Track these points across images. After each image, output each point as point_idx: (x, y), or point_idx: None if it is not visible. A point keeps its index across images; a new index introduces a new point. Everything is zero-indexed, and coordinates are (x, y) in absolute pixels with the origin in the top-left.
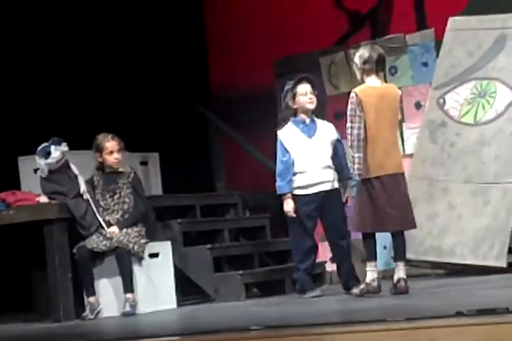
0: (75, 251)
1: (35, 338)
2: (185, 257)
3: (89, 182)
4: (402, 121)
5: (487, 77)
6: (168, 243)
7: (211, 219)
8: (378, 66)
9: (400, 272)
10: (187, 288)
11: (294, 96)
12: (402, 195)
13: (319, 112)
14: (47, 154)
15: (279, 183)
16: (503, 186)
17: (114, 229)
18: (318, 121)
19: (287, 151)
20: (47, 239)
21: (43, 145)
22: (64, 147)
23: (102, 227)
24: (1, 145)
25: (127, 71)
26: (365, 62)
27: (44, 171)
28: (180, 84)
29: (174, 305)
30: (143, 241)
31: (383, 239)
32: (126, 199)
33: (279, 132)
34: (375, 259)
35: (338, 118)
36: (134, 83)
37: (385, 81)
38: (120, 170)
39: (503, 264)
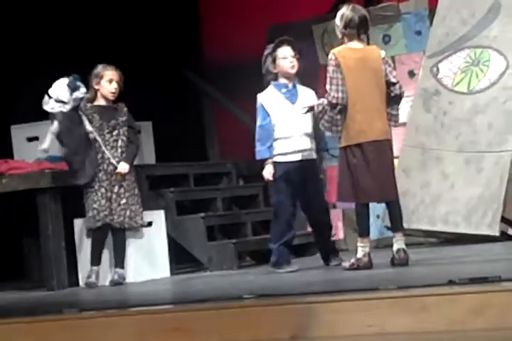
0: (89, 230)
1: (29, 307)
2: (178, 226)
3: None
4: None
5: (481, 45)
6: (162, 212)
7: (204, 187)
8: (360, 29)
9: (399, 242)
10: (180, 257)
11: (274, 60)
12: (385, 164)
13: (312, 80)
14: (70, 88)
15: (258, 148)
16: (496, 154)
17: (124, 165)
18: (299, 87)
19: (268, 115)
20: (40, 208)
21: (71, 79)
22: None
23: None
24: None
25: (119, 39)
26: (346, 26)
27: (68, 106)
28: (172, 53)
29: (167, 274)
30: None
31: (376, 208)
32: (123, 137)
33: (259, 96)
34: (368, 235)
35: None
36: (127, 52)
37: (368, 43)
38: (113, 105)
39: (496, 233)
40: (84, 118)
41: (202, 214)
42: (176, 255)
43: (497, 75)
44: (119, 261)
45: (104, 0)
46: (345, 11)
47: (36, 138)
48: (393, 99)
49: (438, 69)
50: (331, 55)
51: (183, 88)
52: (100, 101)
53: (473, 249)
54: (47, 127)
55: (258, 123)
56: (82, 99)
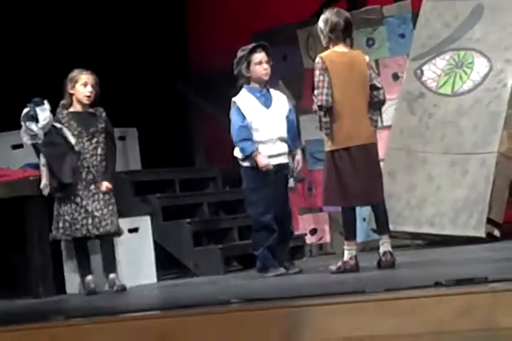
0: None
1: (15, 314)
2: (164, 232)
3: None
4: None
5: (464, 47)
6: (148, 218)
7: (190, 193)
8: (346, 33)
9: (385, 245)
10: (167, 263)
11: (248, 65)
12: (372, 167)
13: (297, 85)
14: (32, 118)
15: (242, 145)
16: (481, 156)
17: (108, 185)
18: (272, 91)
19: (245, 118)
20: (25, 216)
21: (25, 110)
22: (47, 105)
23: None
24: None
25: (106, 46)
26: (331, 30)
27: (40, 136)
28: (158, 59)
29: (154, 280)
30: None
31: (362, 211)
32: (102, 144)
33: (236, 99)
34: (354, 238)
35: None
36: (113, 58)
37: (352, 46)
38: (90, 110)
39: (482, 234)
40: (64, 130)
41: (188, 220)
42: (162, 261)
43: (481, 77)
44: (111, 266)
45: (91, 10)
46: (329, 16)
47: (21, 146)
48: (376, 105)
49: (422, 72)
50: (318, 59)
51: (171, 95)
52: (76, 107)
53: (459, 251)
54: None
55: (237, 124)
56: (48, 123)
